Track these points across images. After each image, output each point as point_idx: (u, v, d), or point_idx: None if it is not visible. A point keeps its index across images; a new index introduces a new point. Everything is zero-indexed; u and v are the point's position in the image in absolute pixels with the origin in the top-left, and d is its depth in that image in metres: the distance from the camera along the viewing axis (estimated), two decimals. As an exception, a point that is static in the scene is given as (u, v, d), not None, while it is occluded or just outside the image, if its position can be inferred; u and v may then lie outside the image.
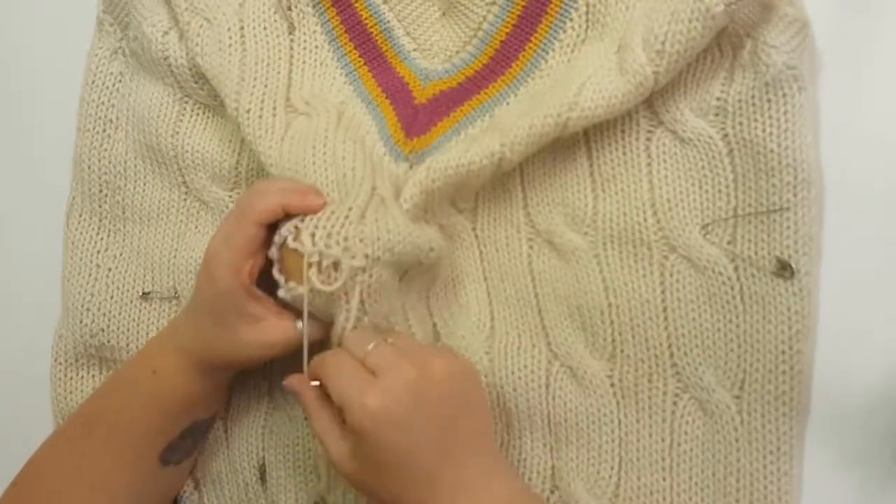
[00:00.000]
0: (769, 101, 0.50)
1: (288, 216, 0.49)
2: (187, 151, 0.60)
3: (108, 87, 0.63)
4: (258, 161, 0.56)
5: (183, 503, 0.59)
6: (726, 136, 0.52)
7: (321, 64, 0.60)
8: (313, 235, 0.47)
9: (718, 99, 0.52)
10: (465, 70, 0.58)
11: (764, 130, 0.50)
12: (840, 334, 0.50)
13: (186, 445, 0.55)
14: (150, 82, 0.62)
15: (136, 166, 0.62)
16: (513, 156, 0.52)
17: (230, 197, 0.60)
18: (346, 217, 0.48)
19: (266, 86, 0.56)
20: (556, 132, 0.51)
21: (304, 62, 0.59)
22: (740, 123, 0.51)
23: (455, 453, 0.45)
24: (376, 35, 0.60)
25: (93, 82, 0.63)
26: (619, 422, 0.53)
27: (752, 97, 0.51)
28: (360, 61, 0.60)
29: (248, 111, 0.55)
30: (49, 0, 0.67)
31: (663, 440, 0.52)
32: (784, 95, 0.50)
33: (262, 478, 0.58)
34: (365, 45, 0.60)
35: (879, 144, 0.51)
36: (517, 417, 0.54)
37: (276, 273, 0.49)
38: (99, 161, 0.62)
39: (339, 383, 0.45)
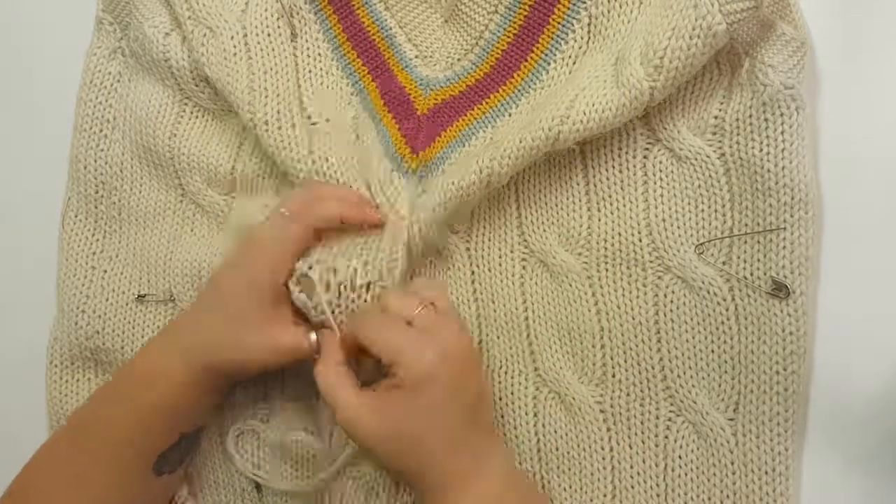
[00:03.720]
0: (766, 120, 0.50)
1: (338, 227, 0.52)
2: (184, 154, 0.60)
3: (105, 87, 0.63)
4: (282, 172, 0.56)
5: None
6: (723, 154, 0.51)
7: (327, 73, 0.60)
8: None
9: (716, 117, 0.52)
10: (467, 78, 0.58)
11: (761, 150, 0.50)
12: (842, 338, 0.50)
13: (179, 453, 0.54)
14: (150, 83, 0.62)
15: (132, 167, 0.62)
16: (502, 169, 0.52)
17: (225, 201, 0.60)
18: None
19: (279, 95, 0.56)
20: (547, 146, 0.51)
21: (309, 71, 0.59)
22: (737, 142, 0.51)
23: (478, 425, 0.49)
24: (378, 42, 0.60)
25: (91, 82, 0.63)
26: (611, 448, 0.52)
27: (750, 116, 0.50)
28: (363, 70, 0.60)
29: (265, 122, 0.55)
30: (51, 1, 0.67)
31: (657, 465, 0.51)
32: (782, 115, 0.49)
33: (258, 485, 0.57)
34: (368, 52, 0.60)
35: (879, 164, 0.51)
36: (505, 445, 0.53)
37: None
38: (95, 161, 0.62)
39: (391, 337, 0.46)
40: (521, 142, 0.51)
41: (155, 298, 0.60)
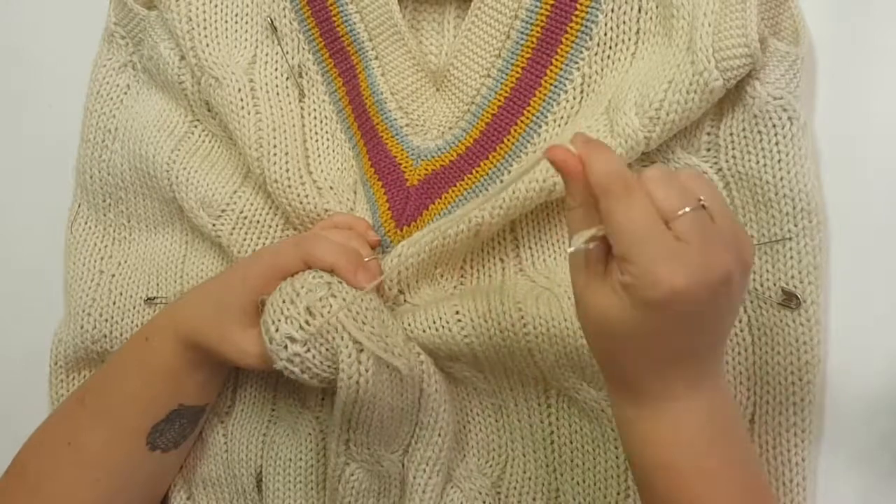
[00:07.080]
0: (760, 132, 0.50)
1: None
2: (184, 170, 0.59)
3: (113, 99, 0.63)
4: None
5: None
6: (720, 169, 0.52)
7: (332, 136, 0.60)
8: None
9: (708, 134, 0.52)
10: (458, 147, 0.57)
11: (758, 162, 0.50)
12: (840, 338, 0.50)
13: (174, 431, 0.53)
14: (162, 98, 0.62)
15: (132, 178, 0.61)
16: (493, 220, 0.52)
17: (213, 226, 0.58)
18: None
19: (287, 154, 0.56)
20: (541, 196, 0.51)
21: (316, 133, 0.59)
22: (734, 157, 0.51)
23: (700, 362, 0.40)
24: (370, 107, 0.59)
25: (98, 92, 0.63)
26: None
27: (743, 130, 0.50)
28: (358, 134, 0.59)
29: (275, 181, 0.55)
30: (58, 8, 0.68)
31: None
32: (774, 126, 0.50)
33: (258, 484, 0.56)
34: (362, 117, 0.59)
35: (883, 170, 0.52)
36: (520, 433, 0.53)
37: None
38: (100, 171, 0.62)
39: (642, 240, 0.37)
40: (514, 192, 0.51)
41: (164, 302, 0.59)
